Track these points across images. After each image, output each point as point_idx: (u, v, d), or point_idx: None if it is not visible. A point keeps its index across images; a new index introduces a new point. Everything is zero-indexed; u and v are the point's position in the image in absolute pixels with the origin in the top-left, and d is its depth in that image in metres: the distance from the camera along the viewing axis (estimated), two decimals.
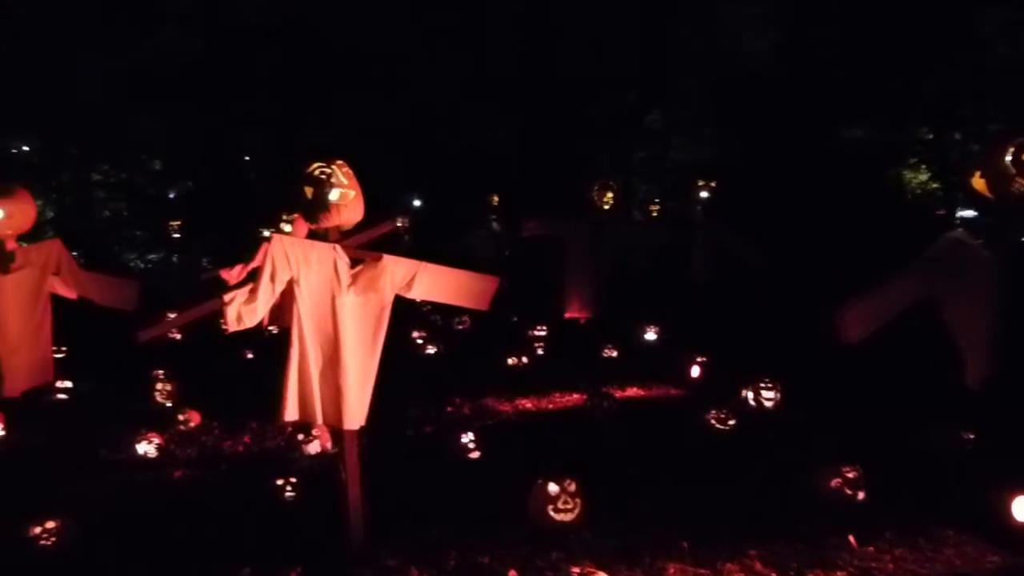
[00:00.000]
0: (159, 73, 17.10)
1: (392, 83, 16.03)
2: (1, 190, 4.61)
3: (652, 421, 6.77)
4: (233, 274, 7.11)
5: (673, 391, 7.93)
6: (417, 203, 17.18)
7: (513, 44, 16.46)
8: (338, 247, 3.87)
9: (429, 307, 10.46)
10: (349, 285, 3.88)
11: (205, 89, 17.21)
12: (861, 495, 4.72)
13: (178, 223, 11.21)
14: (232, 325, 3.77)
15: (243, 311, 3.75)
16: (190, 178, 18.73)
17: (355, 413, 3.96)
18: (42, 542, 4.43)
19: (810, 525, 4.44)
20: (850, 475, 4.73)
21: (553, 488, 4.45)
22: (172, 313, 10.18)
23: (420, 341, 9.74)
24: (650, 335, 9.48)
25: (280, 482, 5.13)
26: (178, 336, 9.47)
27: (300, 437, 6.10)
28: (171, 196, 18.87)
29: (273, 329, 6.64)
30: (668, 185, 17.30)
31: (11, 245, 4.60)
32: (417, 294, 4.09)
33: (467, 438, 5.85)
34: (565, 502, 4.44)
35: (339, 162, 3.87)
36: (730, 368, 7.60)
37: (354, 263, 3.91)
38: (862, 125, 15.21)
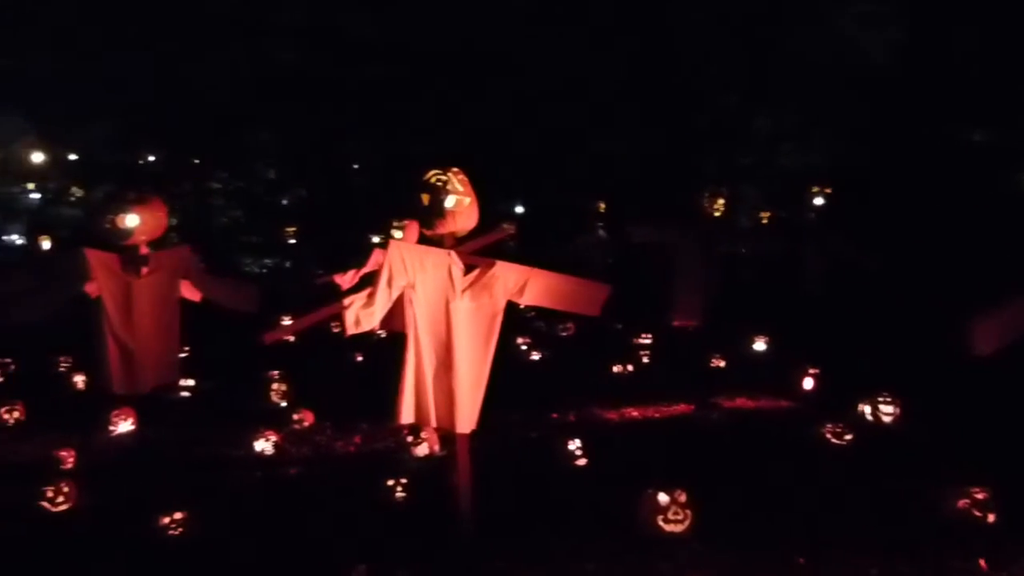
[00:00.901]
0: (273, 85, 17.78)
1: (500, 87, 16.15)
2: (136, 199, 4.89)
3: (763, 433, 6.60)
4: (346, 279, 7.33)
5: (783, 403, 7.71)
6: (519, 209, 17.28)
7: (624, 46, 16.30)
8: (453, 253, 3.93)
9: (533, 313, 10.49)
10: (463, 290, 3.94)
11: (315, 99, 17.77)
12: (991, 517, 4.48)
13: (292, 229, 11.60)
14: (350, 328, 3.88)
15: (361, 315, 3.86)
16: (302, 186, 19.37)
17: (467, 416, 4.02)
18: (170, 531, 4.68)
19: (935, 547, 4.24)
20: (979, 496, 4.50)
21: (663, 498, 4.40)
22: (286, 316, 10.63)
23: (524, 347, 9.78)
24: (759, 345, 9.24)
25: (391, 482, 5.25)
26: (291, 338, 9.79)
27: (409, 439, 6.21)
28: (284, 203, 19.57)
29: (382, 333, 6.78)
30: (776, 191, 16.86)
31: (144, 250, 4.86)
32: (528, 300, 4.11)
33: (574, 445, 5.84)
34: (675, 513, 4.38)
35: (455, 169, 3.94)
36: (845, 381, 7.34)
37: (468, 269, 3.97)
38: (987, 127, 14.44)
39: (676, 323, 8.41)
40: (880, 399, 6.53)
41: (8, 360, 9.22)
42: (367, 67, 17.42)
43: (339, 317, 3.87)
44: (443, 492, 4.97)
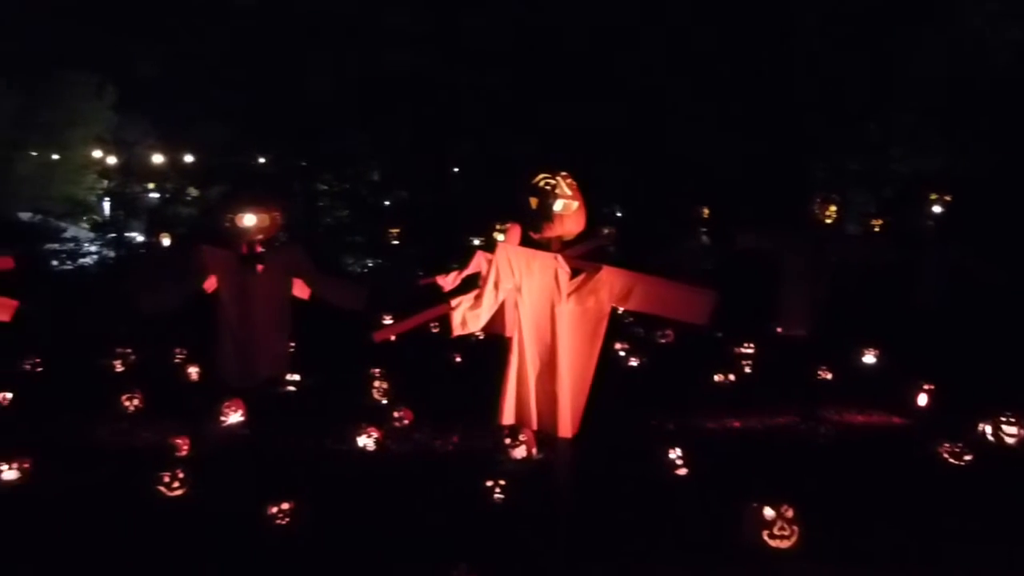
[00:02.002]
0: (378, 87, 18.19)
1: (604, 90, 16.07)
2: (254, 200, 5.08)
3: (873, 450, 6.34)
4: (448, 280, 7.47)
5: (896, 419, 7.39)
6: (618, 213, 17.16)
7: (733, 45, 15.97)
8: (559, 257, 3.92)
9: (631, 319, 10.39)
10: (569, 294, 3.93)
11: (419, 101, 18.08)
12: None
13: (396, 230, 11.82)
14: (457, 329, 3.92)
15: (468, 316, 3.90)
16: (404, 188, 19.73)
17: (569, 421, 4.00)
18: (278, 521, 4.84)
19: None
20: None
21: (769, 512, 4.27)
22: (388, 316, 10.85)
23: (622, 353, 9.70)
24: (869, 357, 8.89)
25: (490, 483, 5.28)
26: (393, 337, 9.98)
27: (507, 441, 6.23)
28: (387, 204, 19.99)
29: (480, 335, 6.84)
30: (888, 198, 16.22)
31: (260, 249, 5.05)
32: (634, 305, 4.06)
33: (674, 454, 5.74)
34: (782, 528, 4.25)
35: (563, 173, 3.93)
36: (963, 398, 6.99)
37: (574, 273, 3.95)
38: None
39: (782, 333, 8.15)
40: (1003, 419, 6.19)
41: (128, 350, 9.75)
42: (471, 69, 17.59)
43: (446, 317, 3.90)
44: (541, 495, 4.98)
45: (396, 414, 7.23)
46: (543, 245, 4.00)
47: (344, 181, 20.02)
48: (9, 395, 7.95)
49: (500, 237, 7.18)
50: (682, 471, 5.69)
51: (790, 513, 4.29)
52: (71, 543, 4.69)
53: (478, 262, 7.35)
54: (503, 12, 17.38)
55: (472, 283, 7.33)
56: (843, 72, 16.14)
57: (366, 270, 18.97)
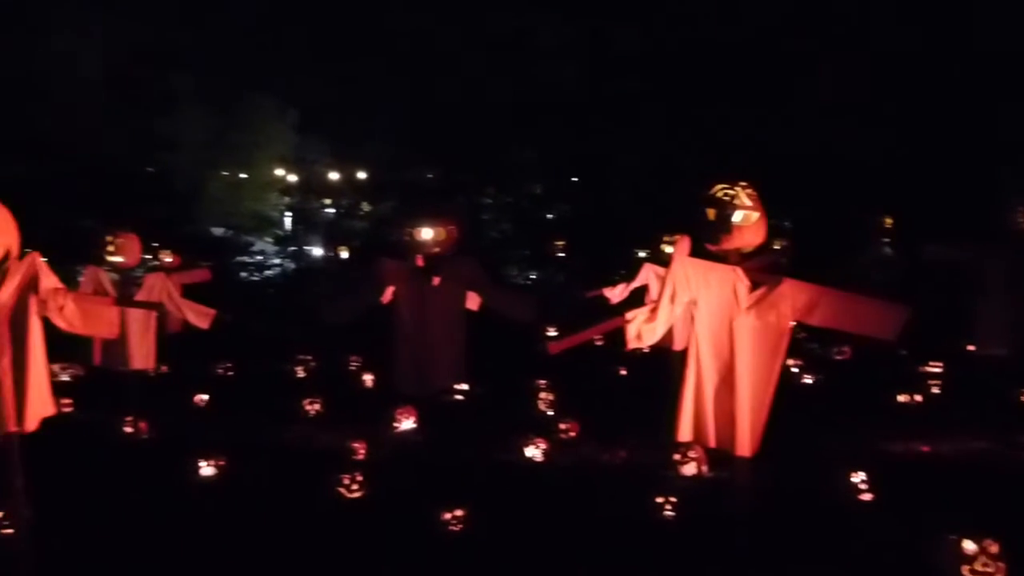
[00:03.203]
0: (540, 102, 18.41)
1: (772, 96, 15.55)
2: (432, 213, 5.26)
3: None
4: (616, 292, 7.42)
5: None
6: (787, 223, 16.49)
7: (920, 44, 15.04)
8: (738, 269, 3.80)
9: (804, 333, 9.93)
10: (748, 308, 3.79)
11: (580, 115, 18.14)
12: None
13: (561, 243, 11.88)
14: (632, 342, 3.87)
15: (643, 330, 3.84)
16: (567, 200, 19.85)
17: (748, 439, 3.85)
18: (450, 527, 4.95)
19: None
20: None
21: (970, 546, 3.94)
22: (552, 328, 10.90)
23: (795, 370, 9.28)
24: None
25: (660, 500, 5.19)
26: (547, 348, 10.02)
27: (677, 457, 6.10)
28: (549, 217, 20.18)
29: (646, 348, 6.72)
30: None
31: (437, 261, 5.24)
32: (817, 320, 3.87)
33: (857, 478, 5.42)
34: (985, 564, 3.91)
35: (743, 183, 3.80)
36: None
37: (754, 286, 3.81)
38: None
39: (978, 351, 7.53)
40: None
41: (309, 357, 10.33)
42: (632, 79, 17.48)
43: (619, 330, 3.87)
44: (713, 515, 4.83)
45: (563, 426, 7.25)
46: (720, 258, 3.88)
47: (507, 194, 20.38)
48: (205, 397, 8.61)
49: (668, 249, 7.04)
50: (866, 496, 5.38)
51: (994, 548, 3.94)
52: (261, 537, 4.99)
53: (645, 274, 7.26)
54: (667, 20, 17.18)
55: (639, 295, 7.27)
56: None
57: (529, 282, 19.20)
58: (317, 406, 8.10)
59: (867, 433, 7.05)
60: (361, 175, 24.53)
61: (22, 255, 4.12)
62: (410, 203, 16.95)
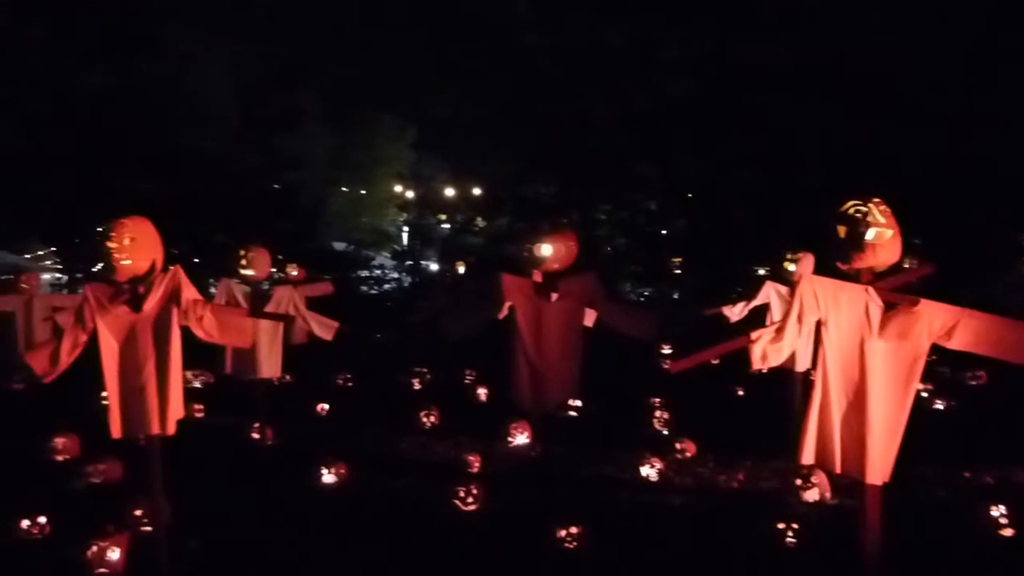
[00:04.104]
0: (656, 118, 18.26)
1: (901, 110, 14.91)
2: (551, 229, 5.28)
3: None
4: (735, 311, 7.25)
5: None
6: (916, 241, 15.75)
7: None
8: (871, 289, 3.64)
9: (935, 356, 9.41)
10: (880, 330, 3.62)
11: (698, 131, 17.89)
12: None
13: (678, 260, 11.73)
14: (757, 363, 3.76)
15: (769, 350, 3.73)
16: (683, 216, 19.59)
17: (879, 467, 3.67)
18: (565, 544, 4.93)
19: None
20: None
21: None
22: (667, 346, 10.76)
23: (925, 394, 8.83)
24: None
25: (781, 525, 5.03)
26: (667, 366, 9.89)
27: (798, 482, 5.90)
28: (664, 233, 19.97)
29: (763, 368, 6.52)
30: None
31: (555, 277, 5.28)
32: (958, 344, 3.65)
33: (997, 511, 5.10)
34: None
35: (876, 199, 3.64)
36: None
37: (887, 307, 3.64)
38: None
39: None
40: None
41: (424, 370, 10.55)
42: (756, 93, 17.10)
43: (745, 350, 3.77)
44: (837, 543, 4.64)
45: (678, 446, 7.14)
46: (851, 276, 3.73)
47: (622, 210, 20.29)
48: (327, 406, 8.91)
49: (790, 267, 6.83)
50: (1007, 532, 5.05)
51: None
52: (377, 545, 5.11)
53: (766, 292, 7.06)
54: (789, 35, 16.76)
55: (760, 314, 7.08)
56: None
57: (642, 299, 19.04)
58: (433, 418, 8.26)
59: (1006, 463, 6.63)
60: (476, 191, 24.99)
61: (165, 268, 4.37)
62: (529, 219, 17.13)
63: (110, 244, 4.16)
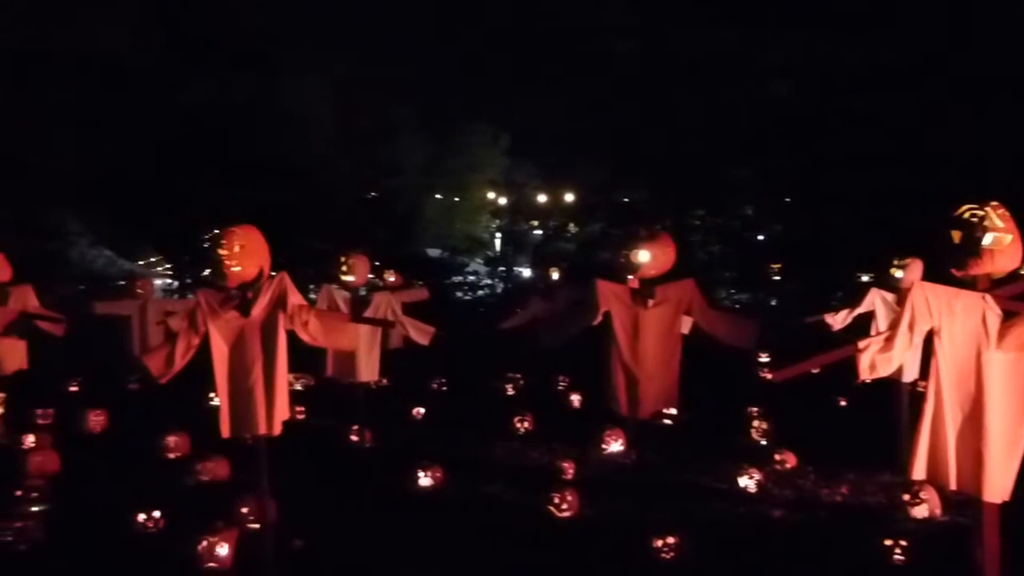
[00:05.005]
0: (753, 123, 17.91)
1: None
2: (646, 235, 5.24)
3: None
4: (838, 319, 7.03)
5: None
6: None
7: None
8: (988, 297, 3.47)
9: None
10: (999, 340, 3.45)
11: (797, 135, 17.45)
12: None
13: (777, 266, 11.45)
14: (864, 373, 3.63)
15: (877, 360, 3.59)
16: (780, 222, 19.13)
17: (998, 484, 3.49)
18: (661, 554, 4.87)
19: None
20: None
21: None
22: (765, 354, 10.49)
23: None
24: None
25: (888, 542, 4.84)
26: (768, 374, 9.64)
27: (906, 498, 5.67)
28: (760, 239, 19.54)
29: (867, 379, 6.29)
30: None
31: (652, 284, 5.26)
32: None
33: None
34: None
35: (994, 203, 3.48)
36: None
37: (1006, 316, 3.47)
38: None
39: None
40: None
41: (519, 375, 10.58)
42: (855, 98, 16.58)
43: (850, 360, 3.65)
44: (947, 562, 4.45)
45: (777, 456, 6.95)
46: (967, 284, 3.56)
47: (717, 215, 19.95)
48: (422, 410, 9.04)
49: (897, 273, 6.56)
50: None
51: None
52: (472, 548, 5.15)
53: (872, 299, 6.81)
54: (891, 32, 16.19)
55: (863, 322, 6.83)
56: None
57: (737, 305, 18.66)
58: (526, 423, 8.28)
59: None
60: (569, 197, 25.00)
61: (272, 275, 4.53)
62: (622, 224, 17.04)
63: (221, 251, 4.35)
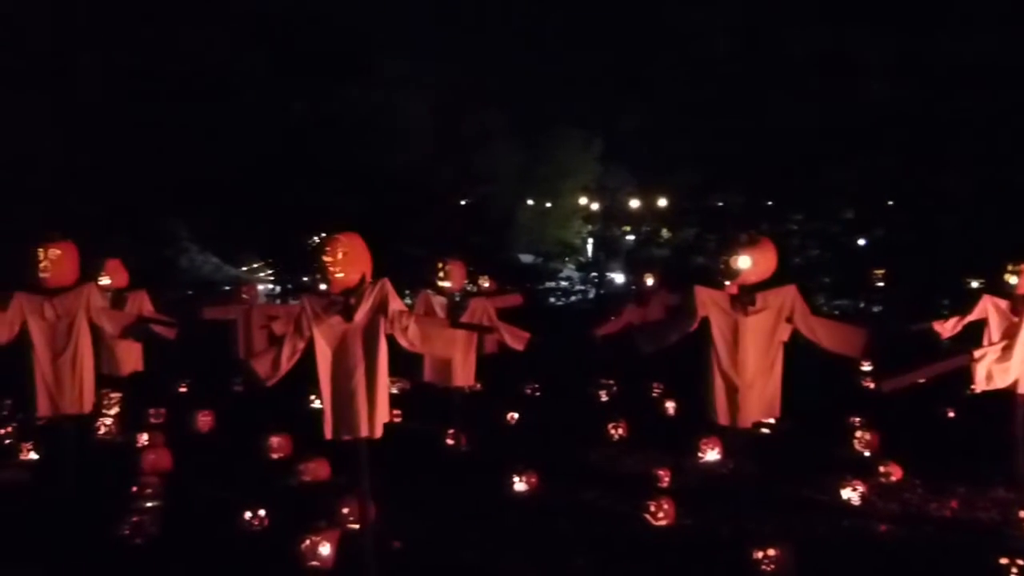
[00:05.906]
0: (854, 124, 17.34)
1: None
2: (747, 240, 5.15)
3: None
4: (947, 327, 6.74)
5: None
6: None
7: None
8: None
9: None
10: None
11: (900, 136, 16.83)
12: None
13: (880, 272, 11.06)
14: (980, 384, 3.51)
15: (994, 369, 3.48)
16: (882, 225, 18.46)
17: None
18: (762, 567, 4.75)
19: None
20: None
21: None
22: (867, 363, 10.14)
23: None
24: None
25: (1004, 561, 4.61)
26: (875, 384, 9.30)
27: (1021, 514, 5.40)
28: (861, 243, 18.90)
29: (976, 389, 6.01)
30: None
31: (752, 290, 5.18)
32: None
33: None
34: None
35: None
36: None
37: None
38: None
39: None
40: None
41: (611, 382, 10.53)
42: (962, 94, 15.87)
43: (965, 369, 3.51)
44: None
45: (882, 468, 6.71)
46: None
47: (815, 220, 19.38)
48: (516, 415, 9.10)
49: (1012, 279, 6.23)
50: None
51: None
52: (567, 554, 5.17)
53: (984, 307, 6.48)
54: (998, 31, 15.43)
55: (973, 331, 6.52)
56: None
57: (836, 312, 18.09)
58: (621, 430, 8.23)
59: None
60: (662, 202, 24.74)
61: (373, 281, 4.65)
62: (716, 229, 16.76)
63: (326, 258, 4.50)
